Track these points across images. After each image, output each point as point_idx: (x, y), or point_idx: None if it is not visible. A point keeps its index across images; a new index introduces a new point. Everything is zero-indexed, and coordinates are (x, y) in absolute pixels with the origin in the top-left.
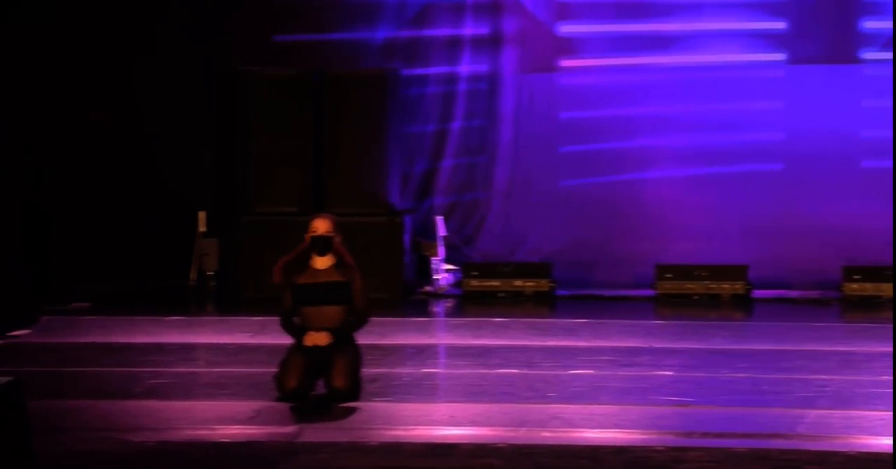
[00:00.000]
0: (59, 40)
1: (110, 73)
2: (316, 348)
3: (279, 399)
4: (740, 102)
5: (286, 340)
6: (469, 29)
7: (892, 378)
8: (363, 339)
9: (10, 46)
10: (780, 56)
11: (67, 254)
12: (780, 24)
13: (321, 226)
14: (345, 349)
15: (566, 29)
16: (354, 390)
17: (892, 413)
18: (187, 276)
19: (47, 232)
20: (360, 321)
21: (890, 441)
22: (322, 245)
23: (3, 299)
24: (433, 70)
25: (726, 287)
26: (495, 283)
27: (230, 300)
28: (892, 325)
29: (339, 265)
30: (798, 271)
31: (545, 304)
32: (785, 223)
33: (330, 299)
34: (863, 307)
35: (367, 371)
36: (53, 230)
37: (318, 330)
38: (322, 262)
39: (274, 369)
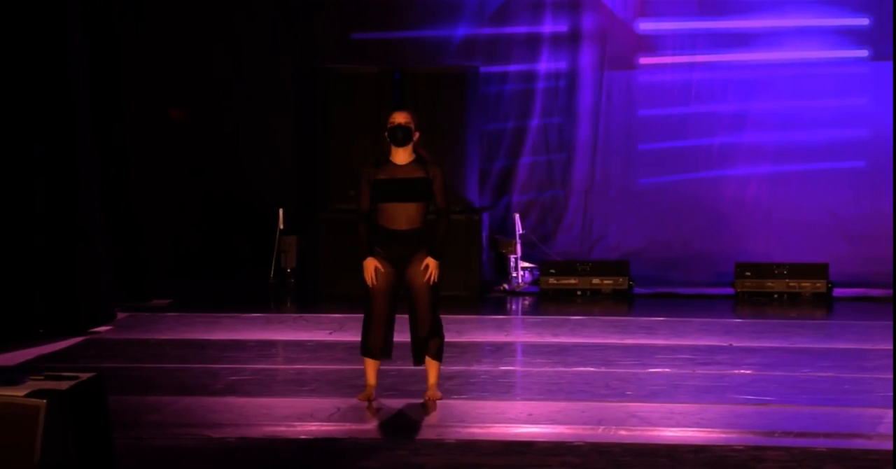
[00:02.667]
0: (141, 37)
1: (192, 71)
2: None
3: (364, 354)
4: (822, 99)
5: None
6: (548, 26)
7: None
8: None
9: (94, 43)
10: (863, 52)
11: (148, 251)
12: (863, 21)
13: (400, 117)
14: (424, 286)
15: (646, 26)
16: (436, 329)
17: None
18: (267, 273)
19: (129, 229)
20: (444, 225)
21: None
22: (402, 135)
23: (84, 295)
24: (512, 67)
25: (807, 285)
26: (573, 280)
27: (309, 297)
28: None
29: (419, 161)
30: (880, 269)
31: (623, 303)
32: (867, 220)
33: (410, 196)
34: None
35: (444, 368)
36: (135, 227)
37: (393, 238)
38: (401, 158)
39: (352, 367)
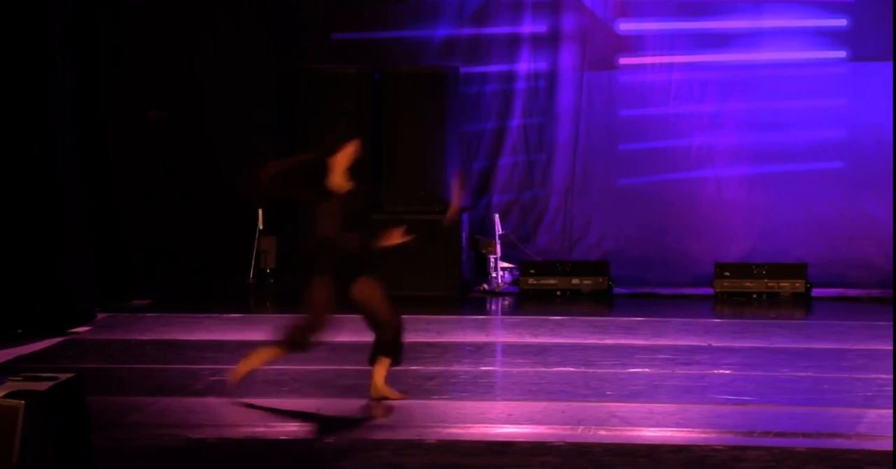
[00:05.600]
0: (121, 36)
1: (172, 71)
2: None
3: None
4: (801, 100)
5: (345, 338)
6: (528, 27)
7: None
8: (420, 337)
9: (74, 42)
10: (841, 53)
11: (128, 251)
12: (841, 22)
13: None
14: (368, 284)
15: (626, 26)
16: (398, 321)
17: None
18: (247, 274)
19: (109, 229)
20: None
21: None
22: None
23: (64, 296)
24: (492, 68)
25: (786, 285)
26: (552, 281)
27: (289, 297)
28: None
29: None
30: (858, 270)
31: (603, 303)
32: (845, 221)
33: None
34: None
35: (424, 369)
36: (115, 227)
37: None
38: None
39: (332, 367)
